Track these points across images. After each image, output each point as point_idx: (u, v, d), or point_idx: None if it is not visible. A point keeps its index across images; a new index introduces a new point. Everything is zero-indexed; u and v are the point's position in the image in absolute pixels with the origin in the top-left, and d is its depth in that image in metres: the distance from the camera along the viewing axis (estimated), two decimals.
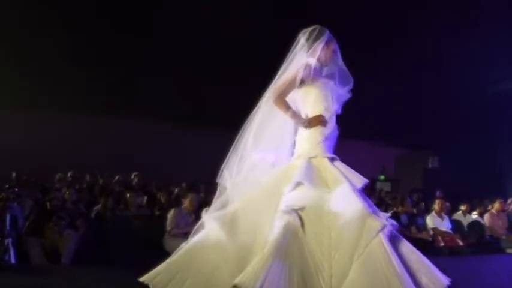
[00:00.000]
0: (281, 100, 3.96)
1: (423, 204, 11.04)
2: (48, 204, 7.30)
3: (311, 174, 3.69)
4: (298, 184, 3.63)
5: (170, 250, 7.56)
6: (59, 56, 12.24)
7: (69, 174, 10.64)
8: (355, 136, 16.55)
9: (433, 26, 12.27)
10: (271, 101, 4.00)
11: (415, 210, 9.80)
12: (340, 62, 4.12)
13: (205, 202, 9.15)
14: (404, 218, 9.13)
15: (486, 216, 10.43)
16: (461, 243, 9.34)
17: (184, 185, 10.69)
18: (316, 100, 4.00)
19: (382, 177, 18.41)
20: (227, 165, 3.99)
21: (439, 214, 9.75)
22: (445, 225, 9.68)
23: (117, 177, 11.03)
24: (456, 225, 10.13)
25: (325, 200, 3.57)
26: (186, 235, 7.67)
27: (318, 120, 3.98)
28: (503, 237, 9.99)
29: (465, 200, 11.36)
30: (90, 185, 10.59)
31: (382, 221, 3.45)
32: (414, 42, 12.24)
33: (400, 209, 9.29)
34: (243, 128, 4.05)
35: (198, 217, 8.03)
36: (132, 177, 11.23)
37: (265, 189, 3.78)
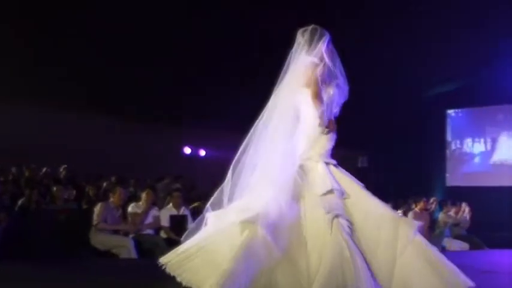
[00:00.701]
0: (320, 99, 4.04)
1: None
2: None
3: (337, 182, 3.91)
4: (331, 191, 3.81)
5: (96, 244, 7.58)
6: None
7: None
8: None
9: (366, 26, 12.57)
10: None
11: None
12: (339, 63, 4.25)
13: (134, 196, 9.19)
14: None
15: (410, 214, 10.78)
16: None
17: (113, 178, 10.59)
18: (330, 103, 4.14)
19: None
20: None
21: None
22: None
23: (44, 170, 10.81)
24: None
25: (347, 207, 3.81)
26: (113, 230, 7.74)
27: (333, 126, 4.17)
28: (425, 236, 10.39)
29: (391, 199, 11.74)
30: (15, 177, 10.34)
31: (414, 223, 3.79)
32: (344, 43, 12.48)
33: None
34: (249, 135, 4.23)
35: (124, 211, 8.09)
36: (61, 170, 11.05)
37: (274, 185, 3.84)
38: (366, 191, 4.03)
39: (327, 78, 4.14)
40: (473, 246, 10.32)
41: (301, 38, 4.15)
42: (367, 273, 3.37)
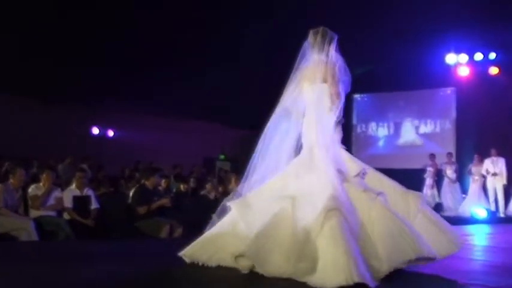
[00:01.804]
0: (339, 95, 4.57)
1: None
2: None
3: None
4: (359, 174, 4.39)
5: None
6: None
7: None
8: (197, 117, 16.85)
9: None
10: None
11: None
12: (342, 61, 4.69)
13: (36, 177, 8.95)
14: (237, 195, 9.37)
15: None
16: None
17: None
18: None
19: (222, 156, 18.92)
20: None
21: None
22: None
23: None
24: None
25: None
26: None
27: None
28: None
29: None
30: None
31: (421, 195, 4.56)
32: (253, 30, 12.60)
33: (230, 186, 9.48)
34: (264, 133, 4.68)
35: (25, 192, 7.85)
36: None
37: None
38: (375, 171, 4.62)
39: (339, 76, 4.60)
40: None
41: (312, 39, 4.67)
42: (422, 238, 3.99)
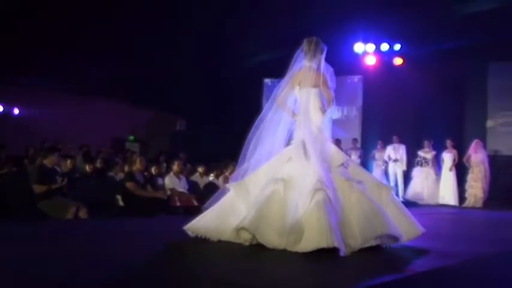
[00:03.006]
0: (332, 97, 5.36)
1: (165, 165, 11.40)
2: None
3: None
4: (342, 164, 5.13)
5: None
6: None
7: None
8: (107, 96, 16.49)
9: None
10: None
11: (153, 170, 10.05)
12: (326, 68, 5.40)
13: None
14: (140, 177, 9.33)
15: (221, 178, 11.24)
16: (196, 203, 9.93)
17: None
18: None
19: (131, 137, 18.67)
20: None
21: (177, 175, 10.28)
22: (182, 186, 10.26)
23: None
24: (193, 186, 10.79)
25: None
26: None
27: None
28: None
29: (207, 162, 12.10)
30: None
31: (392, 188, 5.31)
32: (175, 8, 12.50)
33: (135, 168, 9.42)
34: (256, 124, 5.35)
35: None
36: None
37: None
38: (356, 164, 5.53)
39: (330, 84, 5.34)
40: None
41: (306, 47, 5.27)
42: (391, 219, 4.68)
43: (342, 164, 5.05)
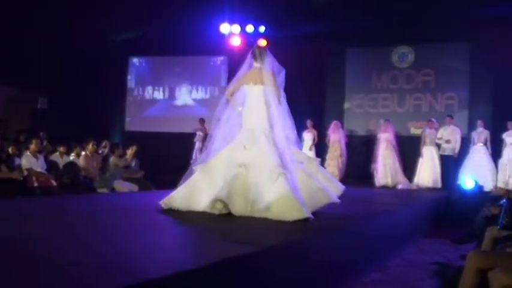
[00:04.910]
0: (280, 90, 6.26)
1: (24, 145, 10.91)
2: None
3: None
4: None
5: None
6: None
7: None
8: None
9: None
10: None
11: (10, 150, 9.61)
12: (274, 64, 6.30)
13: None
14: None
15: (81, 157, 10.93)
16: (54, 184, 9.62)
17: None
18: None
19: None
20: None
21: (34, 154, 9.83)
22: (39, 166, 9.85)
23: None
24: (52, 166, 10.40)
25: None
26: None
27: None
28: (97, 178, 10.67)
29: (69, 141, 11.71)
30: None
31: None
32: None
33: None
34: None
35: None
36: None
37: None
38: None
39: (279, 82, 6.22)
40: (142, 188, 11.02)
41: (256, 51, 6.18)
42: (329, 188, 5.98)
43: (288, 147, 5.95)
